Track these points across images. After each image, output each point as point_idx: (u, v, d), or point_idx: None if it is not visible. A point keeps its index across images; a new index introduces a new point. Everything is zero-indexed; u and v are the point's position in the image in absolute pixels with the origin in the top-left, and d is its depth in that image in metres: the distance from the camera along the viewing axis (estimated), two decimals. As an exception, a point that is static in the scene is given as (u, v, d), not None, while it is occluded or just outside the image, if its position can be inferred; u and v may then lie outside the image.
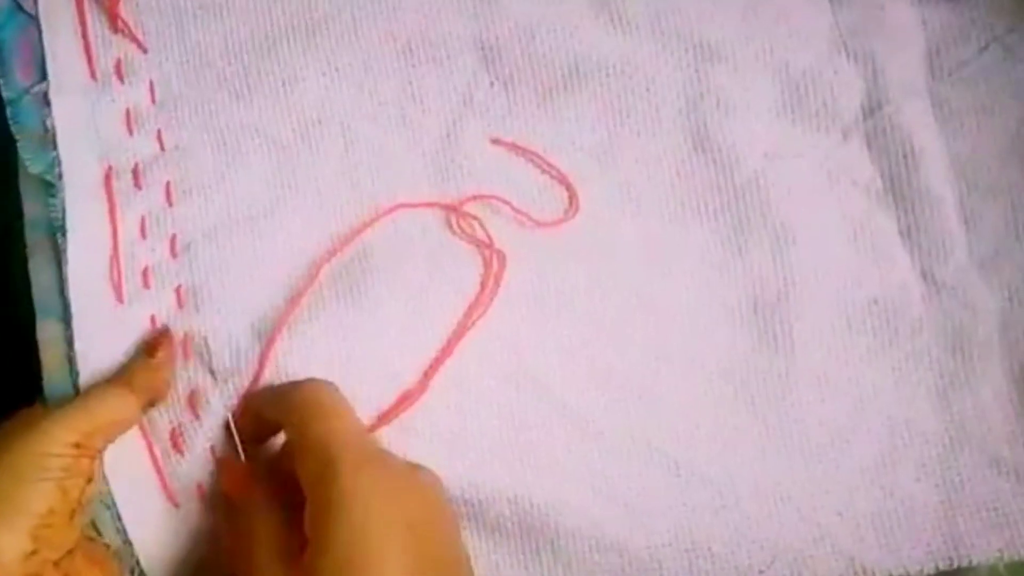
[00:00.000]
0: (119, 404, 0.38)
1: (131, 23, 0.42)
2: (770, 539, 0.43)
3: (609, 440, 0.44)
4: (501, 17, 0.45)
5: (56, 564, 0.35)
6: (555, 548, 0.43)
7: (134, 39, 0.42)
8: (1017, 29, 0.45)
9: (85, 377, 0.39)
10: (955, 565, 0.43)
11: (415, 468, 0.37)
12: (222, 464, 0.40)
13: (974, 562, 0.43)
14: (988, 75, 0.45)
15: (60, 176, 0.41)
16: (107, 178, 0.41)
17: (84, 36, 0.42)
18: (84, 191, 0.41)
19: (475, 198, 0.44)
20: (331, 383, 0.39)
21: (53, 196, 0.41)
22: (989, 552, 0.43)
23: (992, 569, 0.43)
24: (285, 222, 0.43)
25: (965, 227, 0.45)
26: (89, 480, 0.36)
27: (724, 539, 0.43)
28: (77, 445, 0.36)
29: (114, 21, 0.42)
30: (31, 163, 0.41)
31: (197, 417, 0.41)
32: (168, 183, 0.42)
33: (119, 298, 0.41)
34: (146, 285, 0.41)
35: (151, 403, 0.40)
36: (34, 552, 0.34)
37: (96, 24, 0.42)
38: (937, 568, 0.43)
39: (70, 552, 0.36)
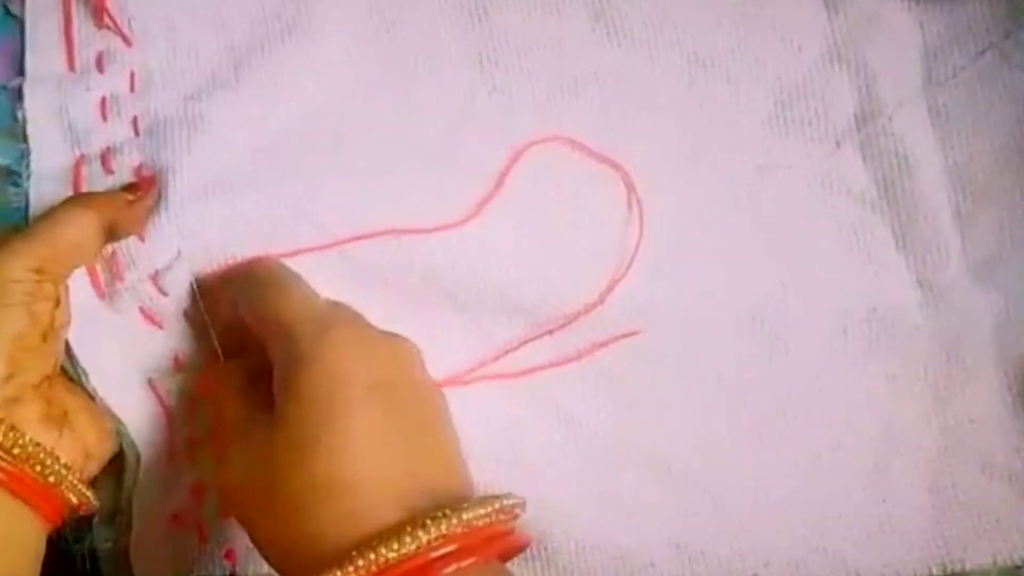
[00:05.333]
0: (77, 226, 0.36)
1: (117, 18, 0.41)
2: (763, 543, 0.43)
3: (602, 442, 0.43)
4: (497, 30, 0.44)
5: (35, 388, 0.35)
6: (548, 550, 0.43)
7: (119, 32, 0.41)
8: (1013, 35, 0.45)
9: (94, 376, 0.39)
10: (948, 570, 0.44)
11: (390, 335, 0.36)
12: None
13: (967, 567, 0.44)
14: (984, 81, 0.45)
15: (28, 166, 0.40)
16: (76, 166, 0.40)
17: (67, 30, 0.41)
18: (51, 180, 0.40)
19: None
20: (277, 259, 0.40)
21: (17, 185, 0.40)
22: (981, 557, 0.43)
23: (984, 574, 0.43)
24: (269, 207, 0.41)
25: (960, 234, 0.45)
26: (56, 304, 0.36)
27: (717, 542, 0.43)
28: (38, 270, 0.35)
29: (100, 15, 0.41)
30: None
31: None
32: (140, 165, 0.41)
33: (99, 294, 0.40)
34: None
35: (115, 232, 0.38)
36: (11, 375, 0.34)
37: (81, 19, 0.41)
38: (930, 572, 0.44)
39: (48, 378, 0.36)
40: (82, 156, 0.41)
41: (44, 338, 0.35)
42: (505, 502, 0.33)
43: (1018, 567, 0.43)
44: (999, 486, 0.44)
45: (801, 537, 0.44)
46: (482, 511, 0.32)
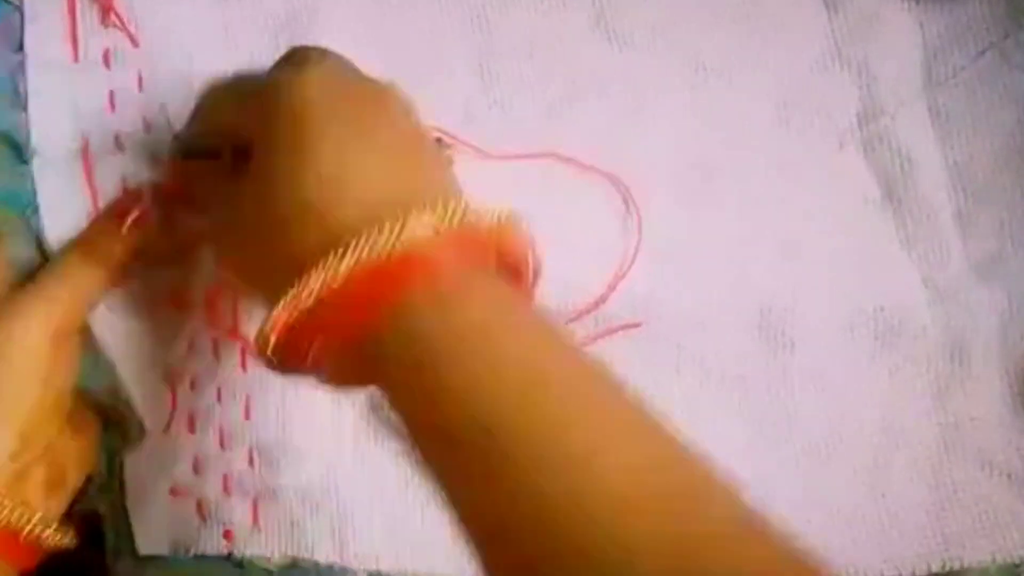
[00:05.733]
0: (86, 286, 0.36)
1: (124, 18, 0.41)
2: None
3: None
4: (498, 35, 0.44)
5: (40, 456, 0.35)
6: None
7: (126, 31, 0.41)
8: (1013, 35, 0.45)
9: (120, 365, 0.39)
10: (947, 567, 0.44)
11: (376, 81, 0.34)
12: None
13: (965, 564, 0.43)
14: (984, 81, 0.45)
15: (29, 138, 0.39)
16: (84, 148, 0.40)
17: (72, 24, 0.41)
18: (59, 159, 0.40)
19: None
20: None
21: (25, 162, 0.39)
22: (981, 555, 0.43)
23: (983, 572, 0.43)
24: None
25: (961, 234, 0.45)
26: (68, 366, 0.36)
27: None
28: (55, 335, 0.35)
29: (106, 14, 0.41)
30: None
31: None
32: (152, 155, 0.40)
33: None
34: None
35: (115, 274, 0.37)
36: (20, 452, 0.34)
37: (86, 15, 0.41)
38: (929, 569, 0.44)
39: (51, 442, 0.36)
40: (89, 139, 0.40)
41: (55, 405, 0.35)
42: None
43: (1017, 565, 0.43)
44: (999, 484, 0.44)
45: (800, 532, 0.44)
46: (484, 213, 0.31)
